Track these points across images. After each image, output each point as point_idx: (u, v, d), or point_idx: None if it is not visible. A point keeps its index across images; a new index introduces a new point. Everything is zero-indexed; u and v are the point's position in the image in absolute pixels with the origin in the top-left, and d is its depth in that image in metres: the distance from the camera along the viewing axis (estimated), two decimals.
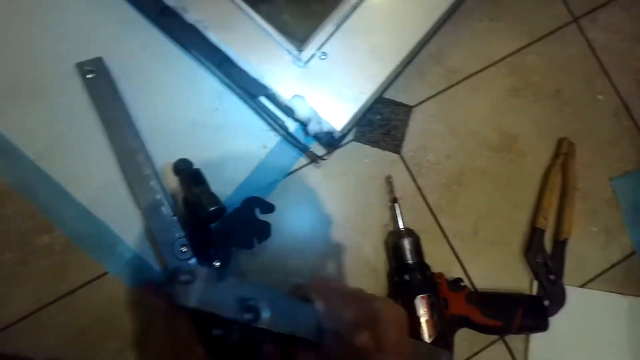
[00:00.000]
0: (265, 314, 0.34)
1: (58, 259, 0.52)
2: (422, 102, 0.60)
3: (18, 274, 0.52)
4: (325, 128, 0.54)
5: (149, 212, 0.52)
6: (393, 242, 0.56)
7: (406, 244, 0.55)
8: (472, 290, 0.57)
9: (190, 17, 0.54)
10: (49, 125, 0.54)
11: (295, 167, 0.57)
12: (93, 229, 0.53)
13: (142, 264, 0.53)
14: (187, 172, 0.49)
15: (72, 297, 0.52)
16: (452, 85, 0.61)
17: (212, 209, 0.45)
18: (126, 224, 0.53)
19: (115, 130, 0.53)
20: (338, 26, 0.55)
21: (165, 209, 0.52)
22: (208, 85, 0.56)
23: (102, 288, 0.52)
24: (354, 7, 0.56)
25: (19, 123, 0.54)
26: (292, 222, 0.56)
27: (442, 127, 0.60)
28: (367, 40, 0.56)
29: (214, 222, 0.48)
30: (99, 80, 0.54)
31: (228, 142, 0.56)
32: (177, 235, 0.51)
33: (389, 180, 0.58)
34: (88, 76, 0.54)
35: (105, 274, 0.52)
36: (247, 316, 0.33)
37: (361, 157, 0.58)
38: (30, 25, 0.55)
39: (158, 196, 0.52)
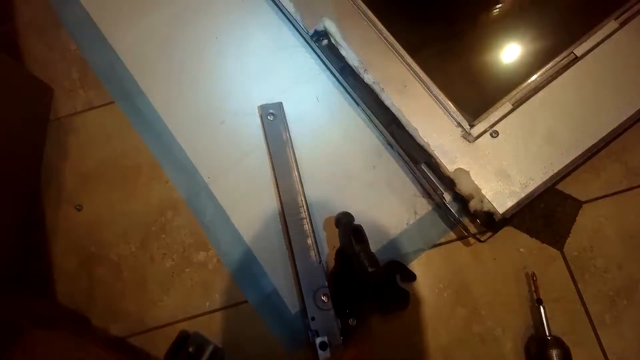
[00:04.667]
0: None
1: (208, 277, 0.52)
2: (595, 199, 0.51)
3: (173, 283, 0.52)
4: (487, 208, 0.47)
5: (298, 254, 0.49)
6: (538, 350, 0.45)
7: (554, 356, 0.44)
8: None
9: (369, 78, 0.52)
10: (225, 153, 0.55)
11: (442, 240, 0.51)
12: (242, 256, 0.52)
13: (280, 302, 0.50)
14: (348, 226, 0.45)
15: (211, 317, 0.51)
16: (633, 188, 0.50)
17: (371, 270, 0.40)
18: (273, 260, 0.51)
19: (282, 170, 0.52)
20: (515, 107, 0.49)
21: (314, 255, 0.49)
22: (371, 142, 0.54)
23: (238, 315, 0.50)
24: (535, 90, 0.50)
25: (201, 147, 0.56)
26: (430, 296, 0.49)
27: (616, 232, 0.49)
28: (545, 125, 0.49)
29: (368, 283, 0.43)
30: (276, 123, 0.54)
31: (379, 201, 0.52)
32: (320, 283, 0.47)
33: (532, 278, 0.48)
34: (268, 118, 0.55)
35: (244, 302, 0.51)
36: None
37: (517, 244, 0.50)
38: (227, 66, 0.58)
39: (309, 240, 0.49)
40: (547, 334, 0.45)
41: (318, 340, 0.45)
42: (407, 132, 0.51)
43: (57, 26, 0.62)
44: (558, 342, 0.45)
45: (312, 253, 0.49)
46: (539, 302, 0.47)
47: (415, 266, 0.50)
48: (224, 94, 0.57)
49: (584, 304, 0.48)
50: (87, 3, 0.61)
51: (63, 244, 0.55)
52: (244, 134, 0.55)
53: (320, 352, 0.45)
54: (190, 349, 0.38)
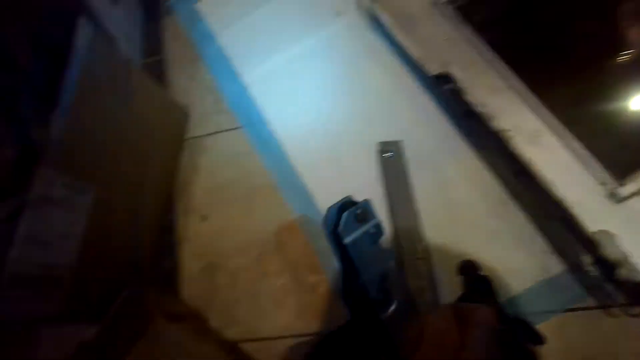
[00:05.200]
0: (391, 308, 0.31)
1: (318, 300, 0.53)
2: None
3: (282, 299, 0.54)
4: (639, 279, 0.42)
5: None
6: None
7: None
8: None
9: (496, 125, 0.49)
10: (340, 185, 0.56)
11: (579, 305, 0.45)
12: None
13: None
14: (473, 276, 0.43)
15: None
16: None
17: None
18: None
19: (398, 209, 0.52)
20: None
21: (429, 297, 0.47)
22: (495, 190, 0.51)
23: None
24: None
25: (317, 176, 0.57)
26: None
27: None
28: None
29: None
30: (394, 161, 0.54)
31: (504, 252, 0.48)
32: None
33: None
34: (385, 155, 0.54)
35: None
36: (378, 295, 0.31)
37: None
38: (349, 103, 0.59)
39: (423, 283, 0.48)
40: None
41: None
42: (538, 184, 0.47)
43: (198, 60, 0.69)
44: None
45: (428, 295, 0.47)
46: None
47: (543, 329, 0.44)
48: (344, 129, 0.59)
49: None
50: (225, 42, 0.68)
51: (189, 249, 0.60)
52: (360, 169, 0.56)
53: None
54: (358, 211, 0.32)
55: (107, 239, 0.50)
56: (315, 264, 0.54)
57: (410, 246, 0.50)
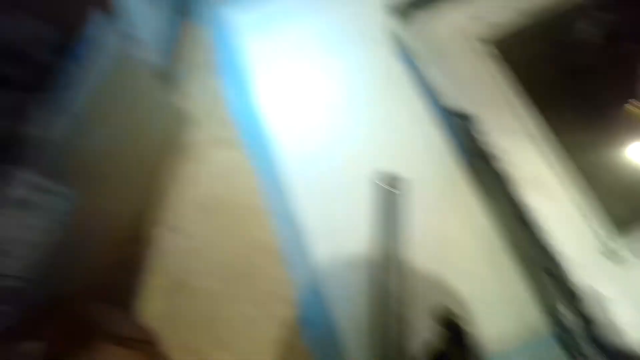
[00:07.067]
0: None
1: (282, 334, 0.63)
2: None
3: (245, 329, 0.65)
4: (628, 348, 0.49)
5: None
6: None
7: None
8: None
9: (503, 167, 0.59)
10: (329, 213, 0.69)
11: None
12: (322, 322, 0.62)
13: None
14: (451, 327, 0.53)
15: None
16: None
17: None
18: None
19: (383, 243, 0.63)
20: None
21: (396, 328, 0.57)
22: (490, 239, 0.62)
23: None
24: None
25: (306, 203, 0.70)
26: None
27: None
28: None
29: None
30: (392, 196, 0.66)
31: (490, 307, 0.57)
32: None
33: None
34: (384, 186, 0.66)
35: None
36: None
37: None
38: (357, 129, 0.74)
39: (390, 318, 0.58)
40: None
41: None
42: (534, 232, 0.56)
43: (214, 68, 0.87)
44: None
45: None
46: None
47: None
48: (348, 157, 0.72)
49: None
50: (245, 52, 0.85)
51: (156, 264, 0.73)
52: (356, 200, 0.68)
53: None
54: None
55: (76, 251, 0.59)
56: (289, 295, 0.65)
57: (386, 281, 0.60)
